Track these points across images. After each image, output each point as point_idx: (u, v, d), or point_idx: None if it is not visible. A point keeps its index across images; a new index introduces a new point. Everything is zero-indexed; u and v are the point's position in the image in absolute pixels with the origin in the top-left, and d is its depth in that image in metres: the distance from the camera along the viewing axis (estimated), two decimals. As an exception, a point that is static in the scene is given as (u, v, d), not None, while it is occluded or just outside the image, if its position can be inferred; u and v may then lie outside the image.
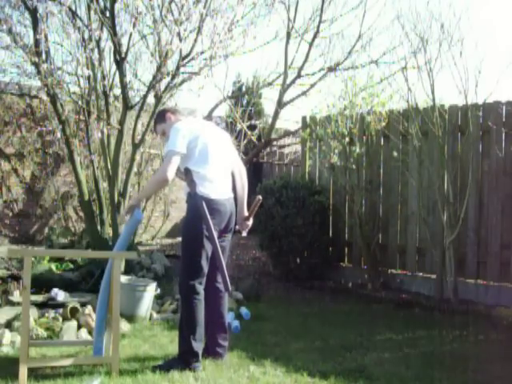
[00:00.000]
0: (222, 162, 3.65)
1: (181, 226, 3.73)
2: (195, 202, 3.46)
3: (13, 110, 7.24)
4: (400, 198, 6.01)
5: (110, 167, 5.63)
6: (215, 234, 3.45)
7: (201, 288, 3.50)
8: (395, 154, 5.79)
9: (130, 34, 5.17)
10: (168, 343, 4.02)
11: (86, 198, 5.90)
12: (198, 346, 3.47)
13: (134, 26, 5.08)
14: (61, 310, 4.39)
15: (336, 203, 6.44)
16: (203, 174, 3.50)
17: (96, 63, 5.33)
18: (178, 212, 9.02)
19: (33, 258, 5.24)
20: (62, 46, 5.84)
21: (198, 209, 3.44)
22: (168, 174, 3.40)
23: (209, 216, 3.42)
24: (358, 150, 6.01)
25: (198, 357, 3.46)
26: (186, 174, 3.50)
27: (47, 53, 5.44)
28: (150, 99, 5.65)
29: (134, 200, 3.76)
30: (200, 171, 3.49)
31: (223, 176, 3.65)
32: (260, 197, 3.74)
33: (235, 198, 3.78)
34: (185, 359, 3.44)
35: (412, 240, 5.87)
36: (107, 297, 3.54)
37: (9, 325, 4.08)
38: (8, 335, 3.86)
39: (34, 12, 5.38)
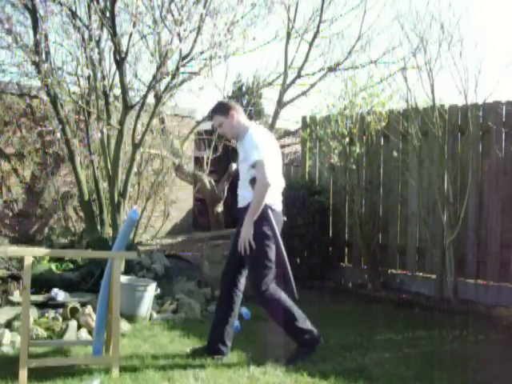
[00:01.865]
0: (280, 173, 3.83)
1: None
2: (263, 210, 3.58)
3: (13, 109, 7.24)
4: (400, 198, 6.01)
5: (110, 167, 5.63)
6: (280, 240, 3.63)
7: (272, 283, 3.63)
8: (395, 154, 5.79)
9: (130, 34, 5.17)
10: (168, 343, 4.02)
11: (86, 198, 5.91)
12: (306, 323, 3.67)
13: (134, 25, 5.09)
14: (61, 310, 4.39)
15: (336, 203, 6.44)
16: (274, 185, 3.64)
17: (96, 63, 5.33)
18: (178, 212, 9.03)
19: (33, 258, 5.24)
20: (61, 45, 5.85)
21: (267, 217, 3.60)
22: (268, 180, 3.53)
23: (275, 224, 3.62)
24: (357, 150, 6.01)
25: (313, 333, 3.66)
26: (252, 184, 3.60)
27: (47, 53, 5.44)
28: (150, 99, 5.65)
29: (249, 218, 3.61)
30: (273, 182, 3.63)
31: (281, 186, 3.84)
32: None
33: None
34: (307, 344, 3.66)
35: (412, 240, 5.87)
36: (107, 297, 3.54)
37: (9, 325, 4.08)
38: (8, 335, 3.85)
39: (33, 12, 5.38)
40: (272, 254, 3.64)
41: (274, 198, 3.71)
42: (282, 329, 3.72)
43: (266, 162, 3.54)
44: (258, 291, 3.63)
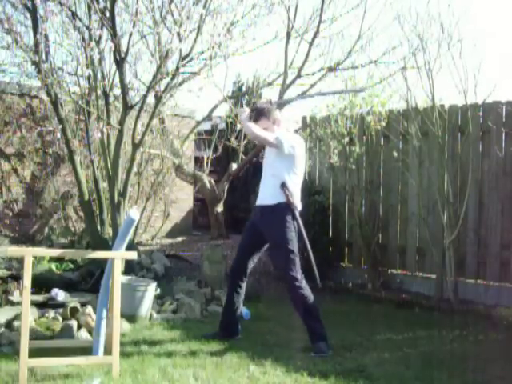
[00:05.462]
0: (302, 176, 4.20)
1: (274, 232, 4.06)
2: (292, 210, 3.96)
3: (13, 110, 7.23)
4: (400, 198, 6.01)
5: (110, 167, 5.62)
6: (305, 234, 4.01)
7: (303, 278, 4.03)
8: (395, 154, 5.80)
9: (130, 34, 5.16)
10: (168, 343, 4.02)
11: (86, 198, 5.90)
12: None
13: (134, 26, 5.08)
14: (61, 310, 4.39)
15: (336, 203, 6.44)
16: (296, 186, 4.04)
17: (96, 63, 5.33)
18: (178, 212, 9.02)
19: (33, 258, 5.24)
20: (61, 45, 5.83)
21: (294, 215, 3.98)
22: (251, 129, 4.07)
23: (301, 222, 3.99)
24: (357, 150, 6.02)
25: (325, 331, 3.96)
26: (285, 188, 3.96)
27: (47, 53, 5.43)
28: (150, 99, 5.64)
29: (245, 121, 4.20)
30: (297, 182, 4.05)
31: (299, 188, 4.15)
32: None
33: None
34: (321, 335, 3.92)
35: (412, 240, 5.87)
36: (107, 297, 3.55)
37: (9, 325, 4.08)
38: (8, 335, 3.86)
39: (33, 12, 5.38)
40: (296, 244, 4.01)
41: (298, 201, 4.07)
42: (303, 320, 4.01)
43: (270, 136, 4.04)
44: (292, 279, 3.99)
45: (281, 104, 4.65)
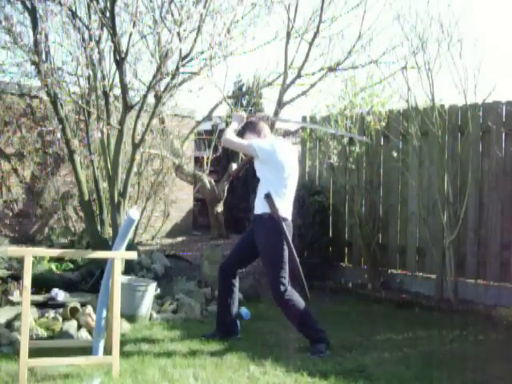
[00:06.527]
0: (295, 183, 4.13)
1: (260, 243, 4.05)
2: (278, 222, 3.90)
3: (13, 109, 7.23)
4: (400, 198, 6.01)
5: (110, 167, 5.62)
6: (293, 247, 3.93)
7: (288, 286, 3.95)
8: (395, 154, 5.80)
9: (130, 34, 5.16)
10: (168, 343, 4.02)
11: (86, 198, 5.90)
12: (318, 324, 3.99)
13: (134, 25, 5.08)
14: (61, 310, 4.39)
15: (336, 203, 6.44)
16: (284, 196, 3.99)
17: (96, 63, 5.33)
18: (178, 212, 9.03)
19: (33, 258, 5.24)
20: (61, 45, 5.83)
21: (281, 228, 3.90)
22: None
23: (288, 235, 3.91)
24: (357, 149, 6.02)
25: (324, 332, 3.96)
26: (268, 199, 3.92)
27: (47, 53, 5.43)
28: (150, 99, 5.64)
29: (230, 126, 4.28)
30: (285, 193, 3.99)
31: (292, 199, 4.10)
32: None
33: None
34: (322, 341, 3.91)
35: (412, 240, 5.87)
36: (107, 297, 3.55)
37: (9, 325, 4.08)
38: (8, 335, 3.86)
39: (33, 12, 5.38)
40: (285, 257, 3.95)
41: (287, 211, 4.02)
42: (297, 329, 4.00)
43: (246, 143, 4.08)
44: (277, 292, 3.94)
45: (276, 120, 4.71)
